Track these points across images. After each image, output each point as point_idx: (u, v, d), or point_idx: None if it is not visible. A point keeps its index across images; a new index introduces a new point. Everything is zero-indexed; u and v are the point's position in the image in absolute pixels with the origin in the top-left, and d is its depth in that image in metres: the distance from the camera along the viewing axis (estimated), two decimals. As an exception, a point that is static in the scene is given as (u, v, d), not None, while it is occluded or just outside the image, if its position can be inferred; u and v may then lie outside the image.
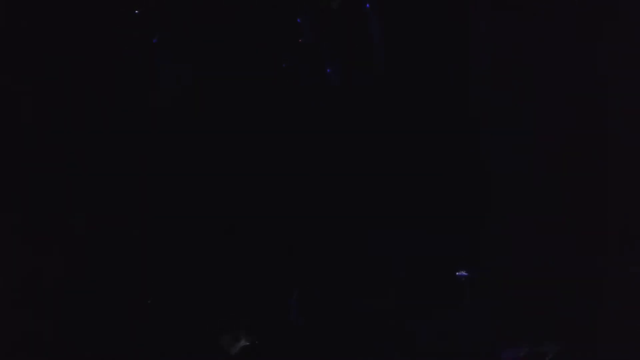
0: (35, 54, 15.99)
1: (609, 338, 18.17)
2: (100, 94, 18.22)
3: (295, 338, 19.40)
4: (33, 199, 15.36)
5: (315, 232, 21.75)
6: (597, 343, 17.91)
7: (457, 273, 19.60)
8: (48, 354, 13.76)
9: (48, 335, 14.23)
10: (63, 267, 15.11)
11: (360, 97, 23.09)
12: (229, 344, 17.60)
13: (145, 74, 20.05)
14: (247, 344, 17.40)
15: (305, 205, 21.48)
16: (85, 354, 15.39)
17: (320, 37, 22.52)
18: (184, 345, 18.34)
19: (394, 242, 21.57)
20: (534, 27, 20.85)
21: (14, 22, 15.25)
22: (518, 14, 20.89)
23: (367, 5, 22.19)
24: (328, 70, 23.25)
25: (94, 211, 18.08)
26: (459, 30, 21.53)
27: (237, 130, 21.29)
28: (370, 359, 18.52)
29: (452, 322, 20.74)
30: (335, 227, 22.17)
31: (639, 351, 17.41)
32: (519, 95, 21.25)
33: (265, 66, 23.29)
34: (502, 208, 20.90)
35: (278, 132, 21.45)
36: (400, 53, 22.03)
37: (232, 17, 21.15)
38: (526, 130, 21.13)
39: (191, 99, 21.44)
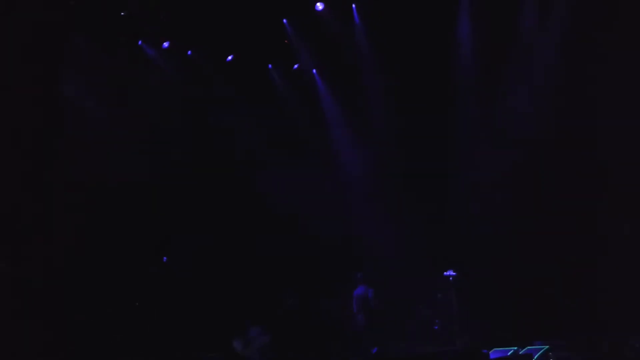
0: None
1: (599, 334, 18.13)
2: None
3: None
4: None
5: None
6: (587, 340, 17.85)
7: (444, 273, 19.53)
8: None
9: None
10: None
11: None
12: (243, 345, 17.61)
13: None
14: (260, 345, 17.41)
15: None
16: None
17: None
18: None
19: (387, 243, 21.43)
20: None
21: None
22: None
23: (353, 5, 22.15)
24: (314, 70, 23.11)
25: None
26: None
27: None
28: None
29: (440, 321, 20.61)
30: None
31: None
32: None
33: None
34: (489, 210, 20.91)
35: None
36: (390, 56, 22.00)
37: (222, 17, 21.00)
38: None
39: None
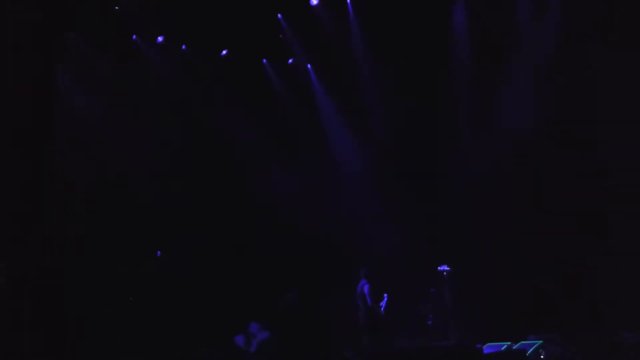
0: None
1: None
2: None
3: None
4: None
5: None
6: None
7: (438, 268, 19.62)
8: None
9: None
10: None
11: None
12: (245, 342, 17.85)
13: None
14: (260, 341, 17.69)
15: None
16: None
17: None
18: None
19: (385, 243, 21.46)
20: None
21: None
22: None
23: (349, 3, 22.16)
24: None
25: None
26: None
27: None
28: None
29: (434, 316, 20.72)
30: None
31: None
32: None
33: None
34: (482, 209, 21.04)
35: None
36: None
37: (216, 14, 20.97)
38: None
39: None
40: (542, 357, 16.94)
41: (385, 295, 19.43)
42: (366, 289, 19.14)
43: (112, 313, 16.97)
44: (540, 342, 17.63)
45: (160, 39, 21.89)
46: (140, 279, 17.28)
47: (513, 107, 20.97)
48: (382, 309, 19.13)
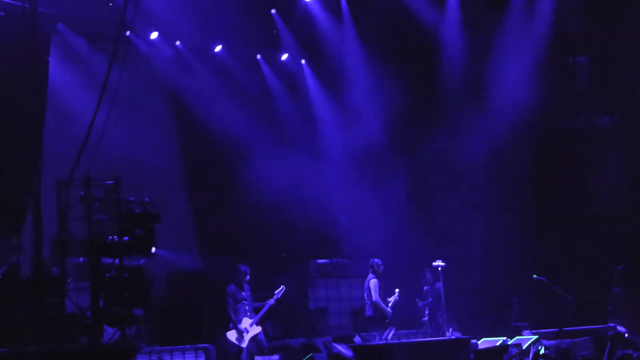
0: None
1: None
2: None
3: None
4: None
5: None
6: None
7: (433, 264, 19.62)
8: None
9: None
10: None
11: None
12: (237, 337, 17.83)
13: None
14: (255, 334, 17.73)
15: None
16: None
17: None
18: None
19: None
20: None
21: None
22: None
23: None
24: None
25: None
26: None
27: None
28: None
29: (430, 311, 20.71)
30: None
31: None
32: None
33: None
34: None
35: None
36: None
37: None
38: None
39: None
40: (540, 352, 16.96)
41: (397, 290, 19.38)
42: (373, 283, 18.98)
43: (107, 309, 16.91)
44: (536, 337, 17.67)
45: (154, 35, 21.93)
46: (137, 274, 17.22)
47: (508, 101, 21.08)
48: (390, 304, 19.04)
